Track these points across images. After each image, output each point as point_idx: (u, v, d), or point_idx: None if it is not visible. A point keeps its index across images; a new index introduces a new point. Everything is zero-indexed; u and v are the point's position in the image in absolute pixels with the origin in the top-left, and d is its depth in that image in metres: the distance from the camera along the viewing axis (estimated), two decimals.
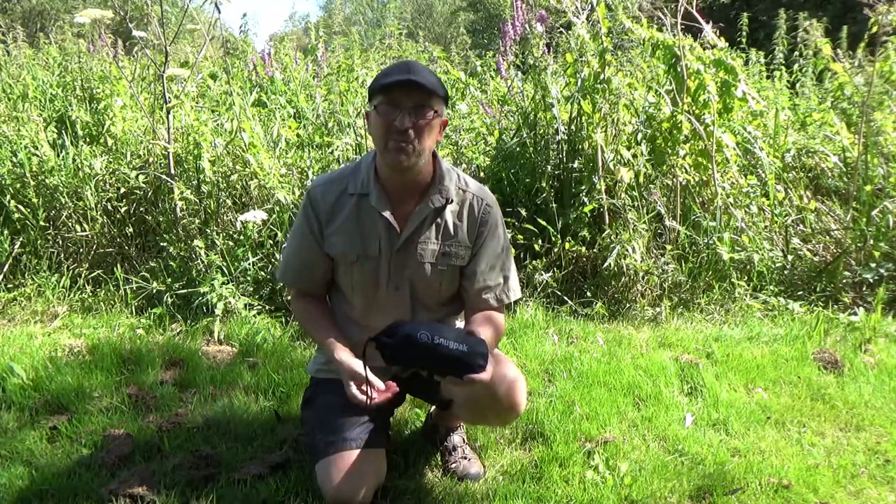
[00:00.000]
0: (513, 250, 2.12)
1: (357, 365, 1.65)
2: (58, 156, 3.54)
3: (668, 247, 3.48)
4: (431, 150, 1.73)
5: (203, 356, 2.74)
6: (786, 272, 3.61)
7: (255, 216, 3.15)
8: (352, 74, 4.44)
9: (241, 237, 3.28)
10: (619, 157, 3.58)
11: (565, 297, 3.40)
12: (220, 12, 3.26)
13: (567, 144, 3.63)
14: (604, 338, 3.02)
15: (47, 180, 3.47)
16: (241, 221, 3.22)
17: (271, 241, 3.32)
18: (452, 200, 1.78)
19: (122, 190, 3.57)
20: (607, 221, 3.52)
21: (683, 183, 3.64)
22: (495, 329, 1.79)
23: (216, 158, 3.50)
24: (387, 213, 1.74)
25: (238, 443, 2.10)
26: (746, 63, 5.00)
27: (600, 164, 3.50)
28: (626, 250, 3.36)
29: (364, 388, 1.62)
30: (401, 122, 1.61)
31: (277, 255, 3.24)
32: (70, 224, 3.51)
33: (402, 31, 5.57)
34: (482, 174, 3.80)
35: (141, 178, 3.53)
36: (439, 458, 2.04)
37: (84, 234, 3.50)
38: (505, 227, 1.90)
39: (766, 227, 3.70)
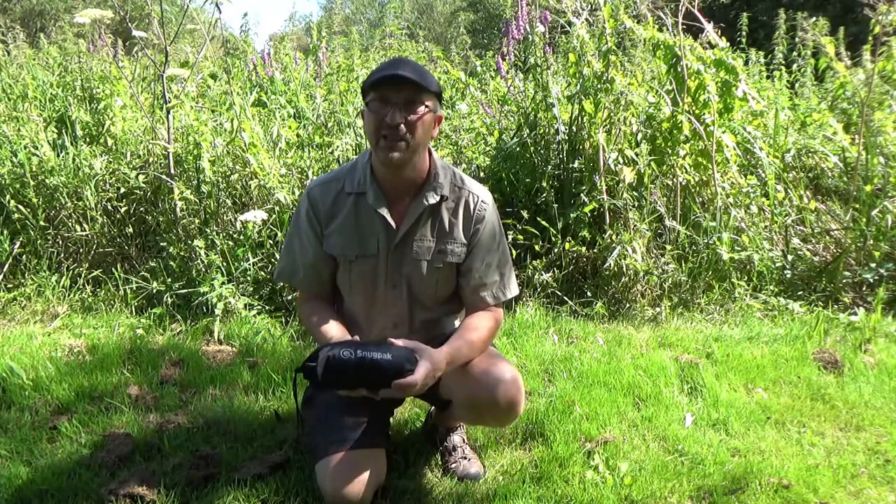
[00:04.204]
0: (511, 250, 2.12)
1: None
2: (58, 156, 3.54)
3: (668, 247, 3.48)
4: (425, 145, 1.72)
5: (203, 356, 2.74)
6: (786, 272, 3.61)
7: (255, 216, 3.15)
8: (352, 74, 4.45)
9: (241, 237, 3.28)
10: (622, 156, 3.57)
11: (565, 297, 3.40)
12: (220, 12, 3.25)
13: (567, 144, 3.63)
14: (604, 338, 3.02)
15: (47, 180, 3.47)
16: (241, 221, 3.22)
17: (271, 241, 3.32)
18: (447, 197, 1.77)
19: (122, 190, 3.57)
20: (608, 221, 3.52)
21: (683, 183, 3.64)
22: (490, 327, 1.80)
23: (216, 158, 3.50)
24: (383, 211, 1.74)
25: (238, 443, 2.10)
26: (746, 63, 5.00)
27: (601, 163, 3.50)
28: (627, 250, 3.36)
29: None
30: (391, 118, 1.61)
31: (277, 255, 3.24)
32: (70, 224, 3.51)
33: (402, 31, 5.57)
34: (482, 174, 3.80)
35: (141, 178, 3.53)
36: (439, 458, 2.04)
37: (84, 233, 3.50)
38: (501, 225, 1.90)
39: (766, 227, 3.69)
